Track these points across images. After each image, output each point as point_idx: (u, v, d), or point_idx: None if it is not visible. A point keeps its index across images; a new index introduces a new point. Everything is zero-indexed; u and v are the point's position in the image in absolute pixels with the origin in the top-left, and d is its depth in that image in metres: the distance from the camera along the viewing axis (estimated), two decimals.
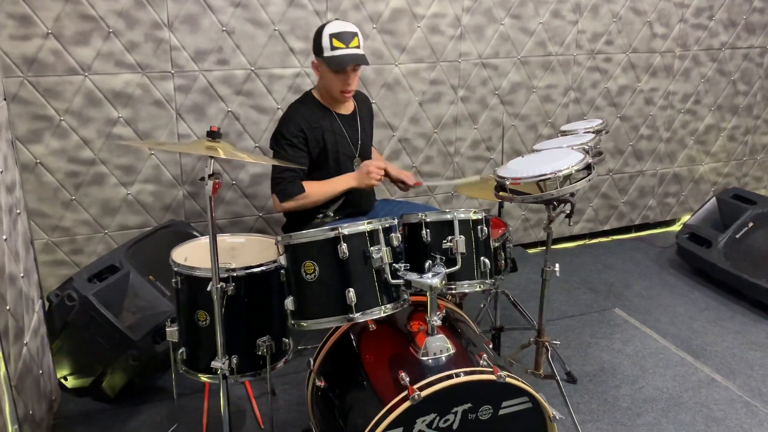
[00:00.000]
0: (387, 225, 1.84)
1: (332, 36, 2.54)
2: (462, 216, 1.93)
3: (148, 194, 3.22)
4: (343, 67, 2.57)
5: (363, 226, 1.79)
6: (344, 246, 1.74)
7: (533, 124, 3.93)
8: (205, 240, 2.43)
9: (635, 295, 3.63)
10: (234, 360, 2.13)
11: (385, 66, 3.45)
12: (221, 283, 1.90)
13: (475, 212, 1.97)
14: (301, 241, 1.79)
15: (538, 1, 3.67)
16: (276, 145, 2.60)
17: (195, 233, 3.15)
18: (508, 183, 2.04)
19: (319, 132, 2.62)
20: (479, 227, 1.96)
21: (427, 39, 3.49)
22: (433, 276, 1.80)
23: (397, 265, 1.82)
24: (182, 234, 3.10)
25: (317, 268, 1.77)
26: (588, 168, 2.07)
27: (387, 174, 2.83)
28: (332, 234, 1.75)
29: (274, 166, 2.60)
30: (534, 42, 3.74)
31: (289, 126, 2.59)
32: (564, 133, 2.57)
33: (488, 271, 1.97)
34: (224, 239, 2.43)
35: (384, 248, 1.78)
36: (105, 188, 3.13)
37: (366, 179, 2.61)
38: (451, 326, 2.08)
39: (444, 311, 2.07)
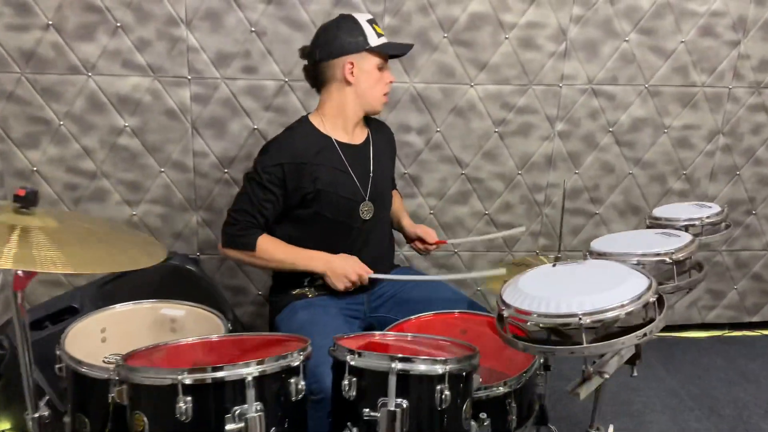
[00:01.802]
0: (277, 368, 1.13)
1: (371, 22, 2.02)
2: (415, 368, 1.17)
3: (155, 217, 2.75)
4: (406, 51, 2.12)
5: (242, 368, 1.11)
6: (185, 402, 1.08)
7: (660, 174, 2.95)
8: (147, 306, 1.88)
9: None
10: None
11: (456, 86, 2.69)
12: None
13: (441, 362, 1.20)
14: (133, 379, 1.15)
15: (681, 11, 2.70)
16: (245, 177, 1.99)
17: (195, 271, 2.63)
18: (506, 315, 1.25)
19: (307, 168, 1.95)
20: (439, 387, 1.19)
21: (517, 55, 2.67)
22: None
23: None
24: (180, 272, 2.59)
25: (147, 427, 1.12)
26: (659, 303, 1.22)
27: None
28: (168, 381, 1.09)
29: (235, 199, 2.01)
30: (671, 67, 2.78)
31: (265, 158, 1.97)
32: (655, 222, 1.68)
33: None
34: (157, 308, 1.87)
35: (253, 413, 1.09)
36: (107, 206, 2.71)
37: (336, 278, 1.94)
38: None
39: None
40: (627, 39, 2.71)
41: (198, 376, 1.08)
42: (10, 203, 1.20)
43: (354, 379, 1.18)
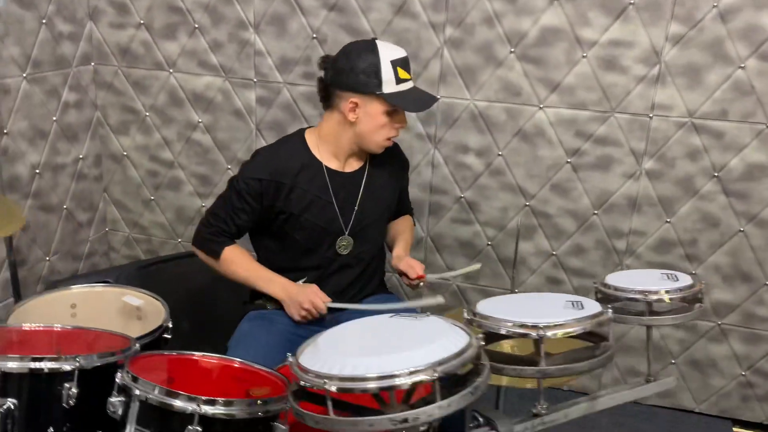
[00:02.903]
0: (26, 369, 1.08)
1: (396, 64, 1.80)
2: (167, 402, 1.03)
3: None
4: (425, 108, 1.94)
5: None
6: None
7: None
8: (114, 291, 1.96)
9: None
10: None
11: (522, 107, 2.41)
12: None
13: (196, 400, 1.04)
14: None
15: None
16: (229, 181, 1.94)
17: None
18: (291, 362, 1.03)
19: (285, 188, 1.86)
20: (191, 428, 1.04)
21: (597, 77, 2.32)
22: None
23: None
24: None
25: None
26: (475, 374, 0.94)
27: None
28: None
29: (216, 200, 1.98)
30: None
31: (248, 168, 1.91)
32: (602, 290, 1.32)
33: None
34: (122, 294, 1.93)
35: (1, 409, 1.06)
36: (181, 195, 2.89)
37: (292, 306, 1.83)
38: None
39: None
40: (743, 65, 2.20)
41: None
42: None
43: (122, 398, 1.09)
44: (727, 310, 2.47)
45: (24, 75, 2.43)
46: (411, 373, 0.90)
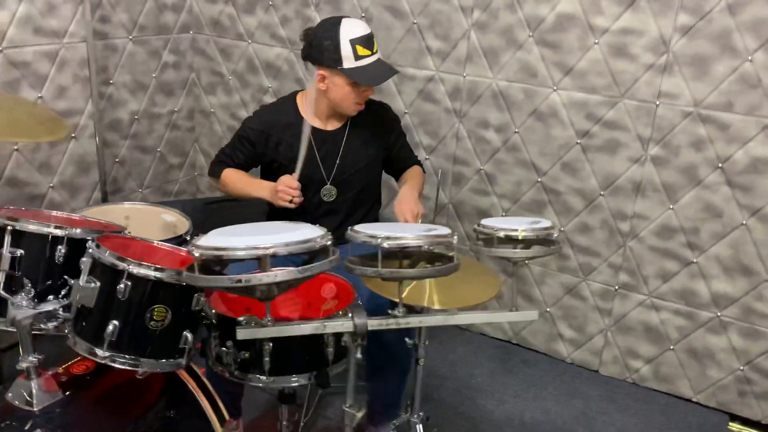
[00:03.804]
0: (35, 230, 1.54)
1: (354, 42, 2.06)
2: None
3: None
4: (380, 82, 2.19)
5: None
6: None
7: None
8: (157, 209, 2.41)
9: None
10: None
11: (538, 88, 2.59)
12: None
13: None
14: None
15: None
16: (238, 128, 2.34)
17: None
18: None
19: (272, 140, 2.23)
20: (122, 281, 1.43)
21: (607, 63, 2.45)
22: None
23: None
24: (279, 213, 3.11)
25: None
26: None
27: None
28: None
29: (228, 141, 2.38)
30: None
31: (248, 118, 2.32)
32: (477, 229, 1.53)
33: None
34: (159, 212, 2.39)
35: (7, 252, 1.52)
36: None
37: (273, 197, 2.14)
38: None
39: None
40: (750, 58, 2.23)
41: None
42: None
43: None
44: (727, 302, 2.49)
45: (130, 37, 2.99)
46: (252, 248, 1.23)
